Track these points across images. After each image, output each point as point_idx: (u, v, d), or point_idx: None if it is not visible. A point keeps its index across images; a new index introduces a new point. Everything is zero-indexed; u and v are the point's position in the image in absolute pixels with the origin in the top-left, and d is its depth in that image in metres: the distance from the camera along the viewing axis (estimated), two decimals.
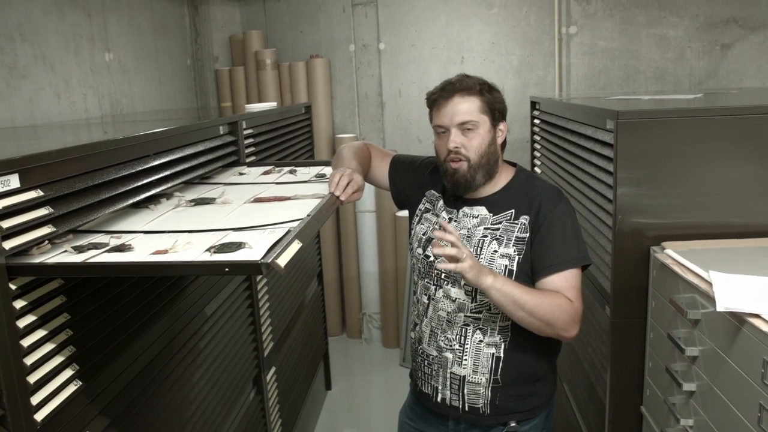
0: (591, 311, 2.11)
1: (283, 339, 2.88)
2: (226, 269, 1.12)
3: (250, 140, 2.55)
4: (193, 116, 2.66)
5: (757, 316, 1.26)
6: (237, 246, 1.22)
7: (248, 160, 2.48)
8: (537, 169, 3.02)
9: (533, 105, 3.07)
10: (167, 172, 1.76)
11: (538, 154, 3.02)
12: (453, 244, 1.51)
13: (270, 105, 3.20)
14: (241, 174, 2.18)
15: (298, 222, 1.37)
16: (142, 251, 1.24)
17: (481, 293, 1.65)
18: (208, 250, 1.21)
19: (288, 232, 1.29)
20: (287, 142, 3.16)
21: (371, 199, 4.27)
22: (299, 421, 3.14)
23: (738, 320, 1.30)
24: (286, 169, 2.22)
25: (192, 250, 1.22)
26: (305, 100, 4.33)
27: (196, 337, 1.86)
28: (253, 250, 1.19)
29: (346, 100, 4.45)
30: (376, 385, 4.01)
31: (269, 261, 1.09)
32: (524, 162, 3.40)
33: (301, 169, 2.20)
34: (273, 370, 2.68)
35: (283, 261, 1.11)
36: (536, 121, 2.98)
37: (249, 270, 1.11)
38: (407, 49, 4.27)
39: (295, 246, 1.21)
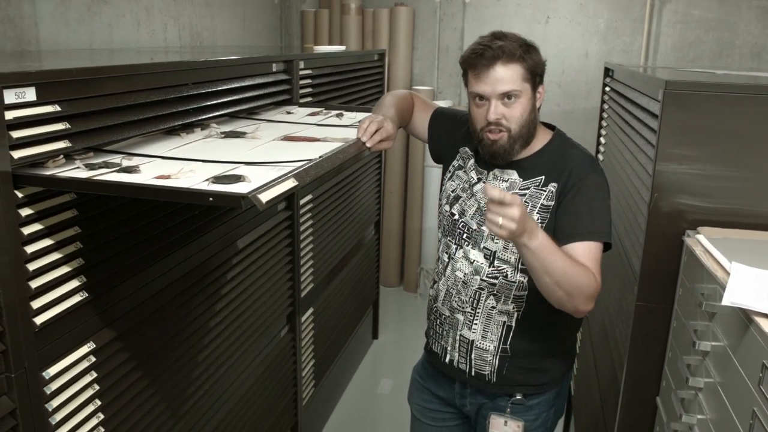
0: (622, 291, 2.01)
1: (326, 281, 2.92)
2: (210, 199, 1.13)
3: (308, 81, 2.56)
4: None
5: (765, 316, 1.16)
6: (236, 179, 1.23)
7: (302, 100, 2.49)
8: (602, 140, 2.87)
9: (606, 72, 2.90)
10: (205, 103, 1.79)
11: (604, 124, 2.87)
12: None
13: (338, 48, 3.18)
14: (288, 113, 2.19)
15: (305, 162, 1.37)
16: (148, 174, 1.27)
17: (500, 260, 1.61)
18: (207, 179, 1.23)
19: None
20: (353, 87, 3.14)
21: None
22: (336, 364, 3.20)
23: (748, 318, 1.20)
24: (334, 112, 2.21)
25: (192, 178, 1.25)
26: (386, 47, 4.28)
27: (223, 268, 1.90)
28: (249, 184, 1.20)
29: (426, 51, 4.37)
30: (423, 340, 3.99)
31: (249, 195, 1.09)
32: (591, 132, 3.25)
33: (348, 114, 2.19)
34: (311, 311, 2.73)
35: (265, 197, 1.11)
36: (607, 89, 2.81)
37: (230, 202, 1.12)
38: (492, 3, 4.12)
39: (288, 184, 1.21)
